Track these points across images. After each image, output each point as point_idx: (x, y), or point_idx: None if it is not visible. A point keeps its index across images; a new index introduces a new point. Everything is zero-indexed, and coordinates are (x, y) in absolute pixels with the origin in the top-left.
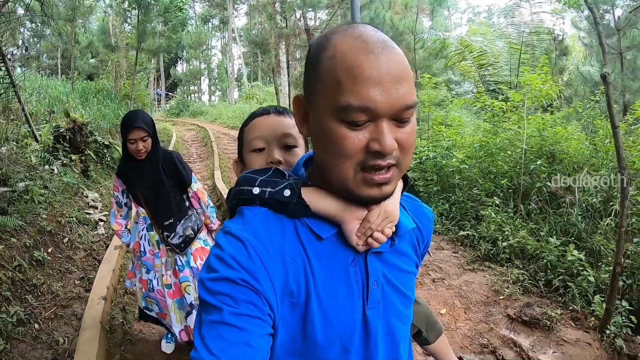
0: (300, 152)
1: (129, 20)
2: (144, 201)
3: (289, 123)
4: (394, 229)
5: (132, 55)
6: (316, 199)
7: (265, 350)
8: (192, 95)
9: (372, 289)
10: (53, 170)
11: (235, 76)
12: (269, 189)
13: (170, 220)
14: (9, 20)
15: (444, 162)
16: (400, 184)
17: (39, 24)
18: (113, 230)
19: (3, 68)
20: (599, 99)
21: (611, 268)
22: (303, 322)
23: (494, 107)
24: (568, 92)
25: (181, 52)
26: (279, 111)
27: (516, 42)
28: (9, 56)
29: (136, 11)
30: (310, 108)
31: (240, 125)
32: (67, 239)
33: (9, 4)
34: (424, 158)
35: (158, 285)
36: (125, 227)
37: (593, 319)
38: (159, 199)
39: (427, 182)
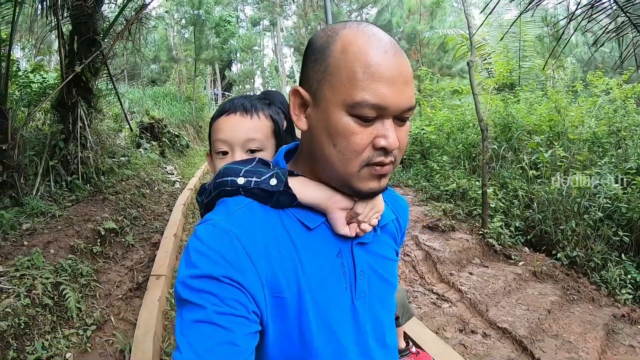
0: (266, 154)
1: (186, 35)
2: None
3: (254, 126)
4: (379, 217)
5: (191, 63)
6: (303, 188)
7: (250, 349)
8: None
9: (359, 279)
10: (141, 151)
11: (287, 73)
12: (254, 179)
13: None
14: (114, 55)
15: (423, 134)
16: None
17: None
18: None
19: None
20: (563, 76)
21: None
22: (297, 318)
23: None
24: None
25: (234, 55)
26: (246, 109)
27: (514, 32)
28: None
29: (192, 27)
30: (314, 101)
31: (211, 117)
32: (156, 187)
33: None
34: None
35: None
36: None
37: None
38: None
39: (411, 152)
